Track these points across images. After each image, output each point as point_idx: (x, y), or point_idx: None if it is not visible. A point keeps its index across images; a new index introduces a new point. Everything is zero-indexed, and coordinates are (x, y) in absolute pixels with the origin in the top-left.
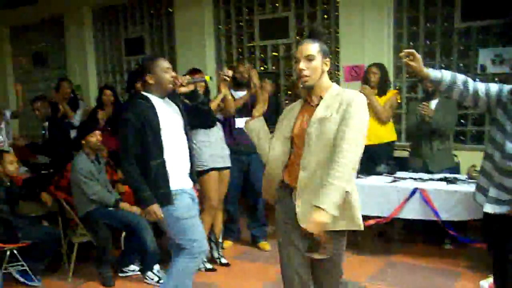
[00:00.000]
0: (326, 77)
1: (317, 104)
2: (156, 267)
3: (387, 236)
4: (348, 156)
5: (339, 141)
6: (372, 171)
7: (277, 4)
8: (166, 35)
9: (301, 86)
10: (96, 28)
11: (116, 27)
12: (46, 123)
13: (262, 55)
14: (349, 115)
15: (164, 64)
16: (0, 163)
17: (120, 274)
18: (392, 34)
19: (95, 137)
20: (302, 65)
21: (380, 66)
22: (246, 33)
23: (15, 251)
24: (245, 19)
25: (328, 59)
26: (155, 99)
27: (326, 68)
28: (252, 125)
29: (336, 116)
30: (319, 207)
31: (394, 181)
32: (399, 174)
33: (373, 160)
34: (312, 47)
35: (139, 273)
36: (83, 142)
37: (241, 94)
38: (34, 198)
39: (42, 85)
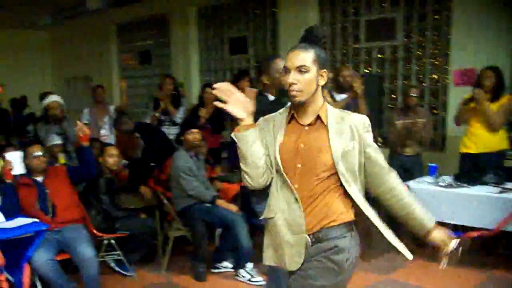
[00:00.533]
0: (320, 93)
1: (310, 124)
2: (249, 265)
3: (490, 249)
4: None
5: (384, 168)
6: (477, 180)
7: (384, 4)
8: (270, 35)
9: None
10: (200, 27)
11: (220, 26)
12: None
13: (366, 58)
14: (369, 141)
15: (279, 64)
16: (102, 156)
17: (213, 270)
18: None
19: (193, 135)
20: (293, 77)
21: (495, 70)
22: (351, 35)
23: (112, 241)
24: (351, 20)
25: (325, 70)
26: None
27: (323, 82)
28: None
29: (356, 146)
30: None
31: (502, 192)
32: (508, 185)
33: (480, 169)
34: (306, 56)
35: (232, 270)
36: (183, 138)
37: (342, 97)
38: (134, 191)
39: (146, 82)
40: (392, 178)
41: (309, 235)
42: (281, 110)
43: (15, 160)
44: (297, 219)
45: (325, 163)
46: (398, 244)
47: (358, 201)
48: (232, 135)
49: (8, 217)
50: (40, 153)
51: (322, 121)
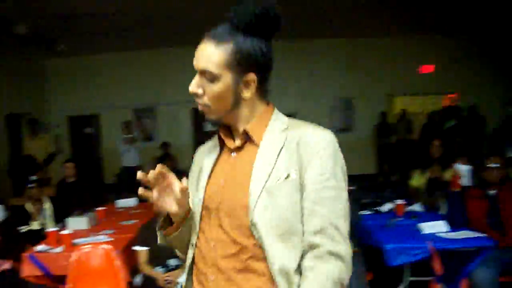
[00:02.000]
0: (251, 104)
1: (238, 148)
2: None
3: None
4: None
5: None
6: None
7: None
8: None
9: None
10: None
11: None
12: None
13: None
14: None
15: None
16: None
17: None
18: None
19: None
20: (195, 83)
21: None
22: None
23: None
24: None
25: (252, 74)
26: None
27: (248, 94)
28: None
29: (296, 178)
30: None
31: None
32: None
33: None
34: (216, 53)
35: None
36: None
37: None
38: None
39: None
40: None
41: None
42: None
43: (465, 172)
44: None
45: (243, 211)
46: None
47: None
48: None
49: (454, 227)
50: (497, 165)
51: (254, 142)
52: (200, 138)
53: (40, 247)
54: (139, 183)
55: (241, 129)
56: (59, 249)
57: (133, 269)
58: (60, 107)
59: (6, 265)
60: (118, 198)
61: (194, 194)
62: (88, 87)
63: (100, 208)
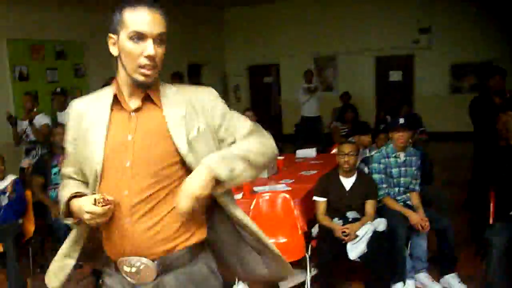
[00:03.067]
0: None
1: (136, 110)
2: None
3: None
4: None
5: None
6: None
7: None
8: None
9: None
10: None
11: None
12: None
13: None
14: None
15: None
16: None
17: None
18: None
19: None
20: (153, 48)
21: None
22: None
23: None
24: None
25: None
26: None
27: None
28: None
29: (206, 129)
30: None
31: None
32: None
33: None
34: (162, 21)
35: None
36: None
37: None
38: None
39: None
40: None
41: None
42: (95, 96)
43: None
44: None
45: (164, 157)
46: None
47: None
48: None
49: None
50: None
51: (153, 103)
52: (383, 88)
53: None
54: (318, 133)
55: (140, 90)
56: (238, 196)
57: (311, 220)
58: (239, 57)
59: None
60: (296, 148)
61: (84, 154)
62: (267, 36)
63: (279, 158)
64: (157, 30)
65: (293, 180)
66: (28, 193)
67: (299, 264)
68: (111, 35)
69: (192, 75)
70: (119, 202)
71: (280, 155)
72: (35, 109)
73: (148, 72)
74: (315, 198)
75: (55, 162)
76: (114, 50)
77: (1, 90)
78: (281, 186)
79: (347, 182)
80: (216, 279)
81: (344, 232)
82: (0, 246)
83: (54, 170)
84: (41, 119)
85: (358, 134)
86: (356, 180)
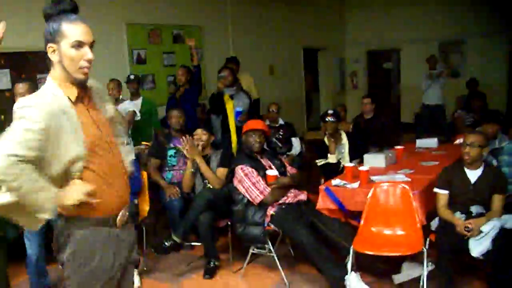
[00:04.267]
0: None
1: (81, 99)
2: None
3: None
4: None
5: None
6: None
7: None
8: None
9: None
10: None
11: None
12: None
13: None
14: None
15: None
16: None
17: None
18: None
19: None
20: (91, 53)
21: None
22: None
23: None
24: None
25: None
26: None
27: None
28: None
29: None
30: None
31: None
32: None
33: None
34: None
35: None
36: None
37: None
38: None
39: None
40: None
41: None
42: (49, 96)
43: None
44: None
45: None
46: None
47: None
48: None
49: None
50: None
51: (86, 94)
52: None
53: (336, 181)
54: (440, 123)
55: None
56: (355, 185)
57: (430, 212)
58: (358, 42)
59: (302, 195)
60: (416, 138)
61: (61, 146)
62: (388, 20)
63: (398, 147)
64: (91, 39)
65: (413, 171)
66: (144, 174)
67: (415, 258)
68: (51, 45)
69: (309, 61)
70: (116, 171)
71: (399, 144)
72: (120, 96)
73: (87, 71)
74: (436, 190)
75: (171, 144)
76: (54, 57)
77: (122, 72)
78: (400, 177)
79: (473, 175)
80: None
81: (467, 227)
82: None
83: (170, 152)
84: (127, 106)
85: (485, 123)
86: (482, 172)
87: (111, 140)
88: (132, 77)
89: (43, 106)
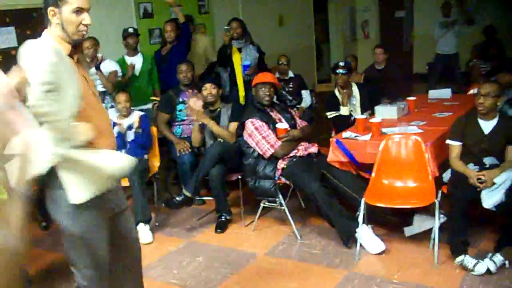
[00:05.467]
0: None
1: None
2: None
3: None
4: None
5: None
6: None
7: None
8: None
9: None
10: None
11: None
12: None
13: None
14: None
15: None
16: None
17: None
18: None
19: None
20: (89, 18)
21: None
22: None
23: None
24: None
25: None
26: None
27: None
28: None
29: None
30: None
31: None
32: None
33: None
34: None
35: None
36: None
37: None
38: None
39: None
40: None
41: None
42: (53, 50)
43: None
44: None
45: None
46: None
47: None
48: None
49: None
50: None
51: (75, 53)
52: None
53: (347, 133)
54: (454, 72)
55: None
56: (366, 137)
57: (443, 164)
58: None
59: (313, 148)
60: (429, 88)
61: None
62: None
63: (411, 98)
64: (90, 5)
65: (425, 122)
66: (154, 129)
67: (427, 211)
68: (52, 8)
69: (318, 11)
70: (104, 125)
71: (411, 95)
72: (99, 54)
73: (84, 33)
74: (449, 141)
75: (180, 98)
76: (54, 20)
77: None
78: (412, 128)
79: (487, 126)
80: None
81: (480, 178)
82: (126, 181)
83: (180, 106)
84: (108, 66)
85: (501, 72)
86: (497, 123)
87: (97, 95)
88: (131, 30)
89: (48, 47)
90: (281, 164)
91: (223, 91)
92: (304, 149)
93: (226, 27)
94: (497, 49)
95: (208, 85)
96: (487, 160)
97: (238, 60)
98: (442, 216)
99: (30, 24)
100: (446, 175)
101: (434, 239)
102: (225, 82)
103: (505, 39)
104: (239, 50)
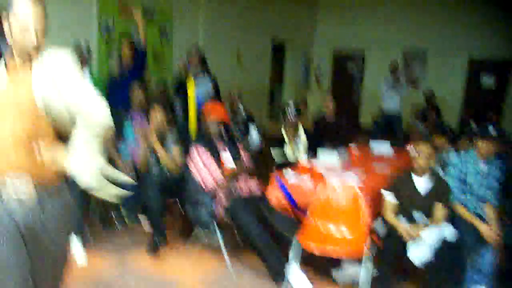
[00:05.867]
0: None
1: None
2: None
3: None
4: None
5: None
6: None
7: None
8: None
9: None
10: None
11: None
12: None
13: None
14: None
15: None
16: None
17: None
18: None
19: None
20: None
21: None
22: None
23: None
24: None
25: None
26: None
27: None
28: None
29: None
30: None
31: None
32: None
33: None
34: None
35: None
36: None
37: None
38: None
39: None
40: None
41: None
42: None
43: None
44: None
45: None
46: None
47: None
48: None
49: None
50: None
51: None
52: (474, 93)
53: (288, 172)
54: (396, 132)
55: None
56: (305, 177)
57: (376, 215)
58: (326, 41)
59: (253, 185)
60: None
61: None
62: (356, 22)
63: (353, 146)
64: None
65: (365, 171)
66: None
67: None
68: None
69: (277, 52)
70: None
71: (354, 144)
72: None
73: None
74: (384, 193)
75: (129, 117)
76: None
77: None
78: (351, 175)
79: (420, 183)
80: None
81: (409, 233)
82: None
83: (127, 125)
84: None
85: (434, 134)
86: (429, 182)
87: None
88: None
89: None
90: (223, 201)
91: (172, 116)
92: (245, 185)
93: (182, 57)
94: (434, 113)
95: (156, 106)
96: (417, 216)
97: (192, 89)
98: (373, 269)
99: None
100: (377, 224)
101: None
102: (178, 110)
103: (442, 105)
104: (195, 79)
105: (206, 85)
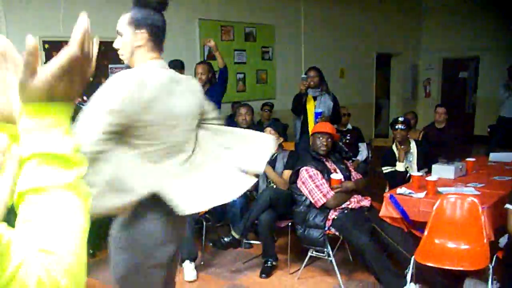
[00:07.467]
0: (139, 54)
1: None
2: None
3: None
4: None
5: None
6: None
7: None
8: None
9: None
10: None
11: None
12: None
13: None
14: None
15: None
16: None
17: None
18: None
19: None
20: (116, 42)
21: None
22: None
23: None
24: None
25: (141, 31)
26: None
27: (138, 43)
28: None
29: None
30: None
31: None
32: None
33: None
34: (120, 20)
35: None
36: None
37: None
38: None
39: None
40: None
41: None
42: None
43: None
44: None
45: None
46: None
47: None
48: None
49: None
50: None
51: None
52: None
53: (401, 190)
54: None
55: None
56: (421, 195)
57: (499, 229)
58: (434, 48)
59: (365, 201)
60: (489, 151)
61: None
62: (466, 27)
63: (469, 159)
64: (117, 28)
65: (483, 185)
66: None
67: (479, 276)
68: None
69: (380, 66)
70: None
71: (470, 157)
72: None
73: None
74: (508, 206)
75: None
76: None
77: (193, 67)
78: (468, 190)
79: None
80: None
81: None
82: None
83: None
84: None
85: None
86: None
87: None
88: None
89: None
90: (332, 215)
91: (294, 139)
92: (357, 201)
93: (303, 76)
94: None
95: (268, 129)
96: None
97: (311, 108)
98: (495, 281)
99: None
100: (503, 240)
101: None
102: (296, 129)
103: None
104: (314, 98)
105: (325, 103)
